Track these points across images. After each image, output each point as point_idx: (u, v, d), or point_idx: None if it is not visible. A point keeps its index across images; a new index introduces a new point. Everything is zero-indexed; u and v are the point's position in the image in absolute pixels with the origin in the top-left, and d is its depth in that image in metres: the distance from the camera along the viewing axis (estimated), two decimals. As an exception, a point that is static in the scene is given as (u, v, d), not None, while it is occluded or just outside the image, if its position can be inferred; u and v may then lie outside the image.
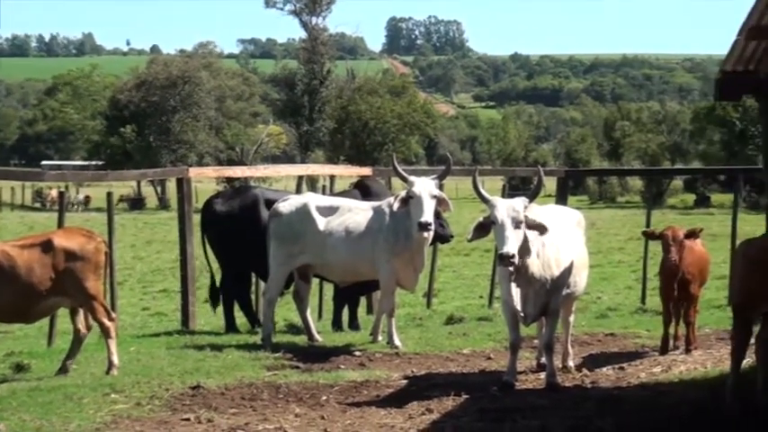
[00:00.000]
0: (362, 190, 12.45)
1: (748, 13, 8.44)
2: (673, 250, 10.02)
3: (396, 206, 10.40)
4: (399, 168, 10.85)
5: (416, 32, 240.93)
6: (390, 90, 68.64)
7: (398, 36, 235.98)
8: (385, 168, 29.70)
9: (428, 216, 10.38)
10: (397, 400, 8.62)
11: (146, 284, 20.08)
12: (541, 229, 8.64)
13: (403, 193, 10.48)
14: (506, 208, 8.54)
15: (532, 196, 8.90)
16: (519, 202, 8.69)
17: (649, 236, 10.71)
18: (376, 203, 11.18)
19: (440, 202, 10.50)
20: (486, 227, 8.69)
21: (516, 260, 8.47)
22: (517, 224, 8.51)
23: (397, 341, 10.97)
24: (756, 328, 8.27)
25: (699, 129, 57.78)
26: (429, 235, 10.51)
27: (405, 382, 9.37)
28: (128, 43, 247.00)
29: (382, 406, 8.43)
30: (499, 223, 8.50)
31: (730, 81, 9.42)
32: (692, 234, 10.19)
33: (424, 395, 8.72)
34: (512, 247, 8.41)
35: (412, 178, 10.47)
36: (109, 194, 12.33)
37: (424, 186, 10.50)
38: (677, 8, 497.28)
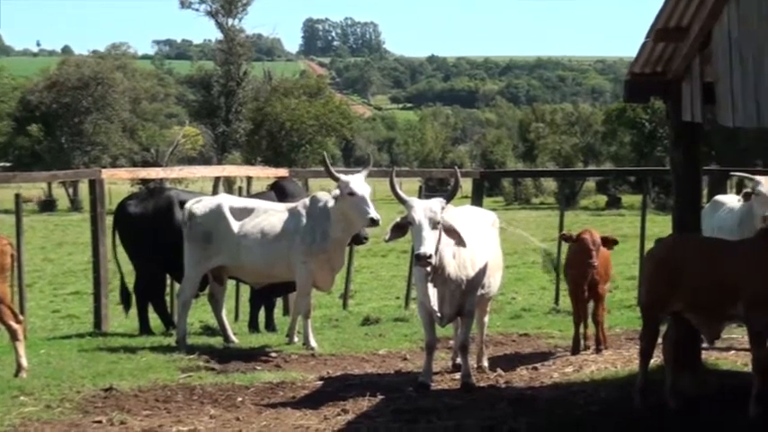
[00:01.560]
0: (278, 191, 12.42)
1: (656, 15, 8.60)
2: (594, 254, 10.18)
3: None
4: (331, 169, 10.85)
5: (333, 34, 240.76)
6: (307, 91, 68.50)
7: (315, 37, 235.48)
8: (302, 170, 29.70)
9: (375, 212, 10.46)
10: (312, 401, 8.64)
11: (57, 286, 19.74)
12: (457, 238, 8.70)
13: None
14: (423, 209, 8.60)
15: (449, 197, 8.97)
16: (436, 202, 8.74)
17: (567, 239, 10.83)
18: (292, 205, 11.18)
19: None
20: (403, 227, 8.74)
21: (434, 260, 8.52)
22: (434, 225, 8.57)
23: (312, 342, 10.97)
24: (664, 328, 8.46)
25: (610, 130, 58.64)
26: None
27: (320, 383, 9.39)
28: (38, 44, 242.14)
29: (298, 407, 8.44)
30: (416, 224, 8.54)
31: (639, 83, 9.56)
32: (609, 242, 10.35)
33: (340, 396, 8.74)
34: (429, 247, 8.46)
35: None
36: (17, 196, 12.20)
37: (363, 184, 10.59)
38: (589, 10, 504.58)
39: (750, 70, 7.67)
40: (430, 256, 8.44)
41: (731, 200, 11.87)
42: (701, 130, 9.60)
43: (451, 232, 8.71)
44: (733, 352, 10.20)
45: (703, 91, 8.79)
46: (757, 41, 7.46)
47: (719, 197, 12.27)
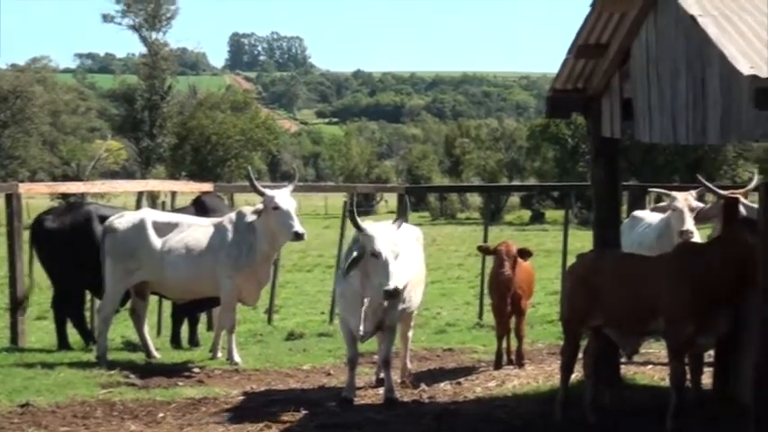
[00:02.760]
0: (200, 206, 12.34)
1: (577, 32, 8.72)
2: (506, 265, 10.23)
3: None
4: (256, 183, 10.82)
5: (259, 48, 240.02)
6: (233, 106, 68.19)
7: (241, 52, 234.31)
8: (227, 184, 29.50)
9: (300, 227, 10.45)
10: (235, 416, 8.59)
11: (-28, 302, 19.31)
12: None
13: (258, 206, 10.48)
14: (386, 241, 8.56)
15: (400, 224, 8.98)
16: (392, 232, 8.76)
17: (485, 251, 10.94)
18: (217, 219, 11.13)
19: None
20: (361, 258, 8.65)
21: (402, 294, 8.67)
22: (396, 256, 8.59)
23: (236, 357, 10.91)
24: (584, 343, 8.55)
25: (534, 146, 59.26)
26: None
27: (244, 398, 9.34)
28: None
29: (220, 423, 8.40)
30: (383, 259, 8.48)
31: (561, 99, 9.68)
32: (524, 253, 10.42)
33: (263, 411, 8.71)
34: (397, 281, 8.47)
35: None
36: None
37: (288, 198, 10.59)
38: (514, 27, 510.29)
39: (666, 87, 7.81)
40: (399, 290, 8.48)
41: (650, 215, 12.06)
42: (620, 146, 9.76)
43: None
44: (651, 366, 10.33)
45: (622, 107, 8.93)
46: (674, 58, 7.59)
47: (638, 212, 12.45)
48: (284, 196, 10.64)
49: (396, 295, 8.49)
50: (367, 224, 8.85)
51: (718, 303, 7.55)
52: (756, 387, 6.84)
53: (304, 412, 8.64)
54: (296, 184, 11.14)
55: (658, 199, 17.47)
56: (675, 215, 10.91)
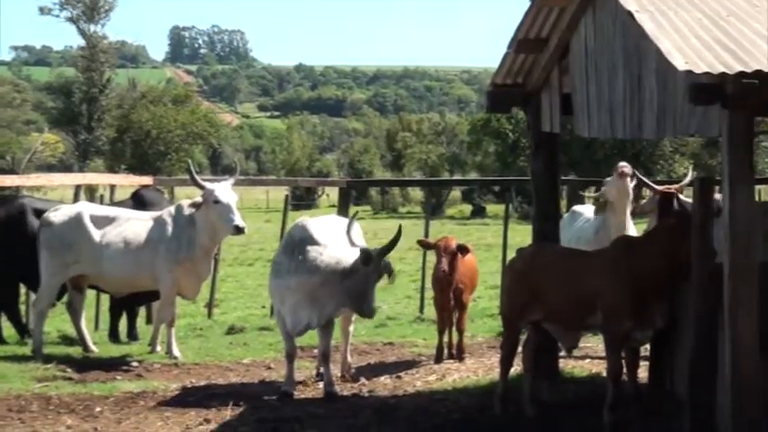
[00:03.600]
0: (139, 200, 12.24)
1: (517, 26, 8.76)
2: (444, 261, 10.26)
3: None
4: (196, 177, 10.76)
5: (200, 41, 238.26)
6: (173, 99, 67.61)
7: (182, 45, 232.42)
8: (167, 178, 29.27)
9: (241, 220, 10.64)
10: (174, 410, 8.55)
11: None
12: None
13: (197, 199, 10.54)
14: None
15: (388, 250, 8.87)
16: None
17: (425, 246, 10.97)
18: (156, 213, 11.07)
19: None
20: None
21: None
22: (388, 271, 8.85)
23: (176, 351, 10.86)
24: (524, 337, 8.61)
25: (476, 140, 59.42)
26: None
27: (183, 392, 9.30)
28: None
29: (159, 417, 8.36)
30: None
31: (501, 93, 9.72)
32: (463, 249, 10.46)
33: (203, 405, 8.68)
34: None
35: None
36: None
37: (229, 191, 10.73)
38: (456, 21, 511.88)
39: (605, 82, 7.88)
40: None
41: (588, 210, 12.15)
42: (560, 141, 9.82)
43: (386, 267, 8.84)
44: (589, 360, 10.43)
45: (562, 102, 8.99)
46: (612, 53, 7.66)
47: (578, 207, 12.53)
48: (225, 190, 10.62)
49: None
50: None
51: (654, 298, 7.64)
52: (691, 381, 6.93)
53: (244, 406, 8.61)
54: (237, 177, 11.12)
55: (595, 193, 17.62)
56: (612, 208, 11.00)
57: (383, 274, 8.78)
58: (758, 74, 5.59)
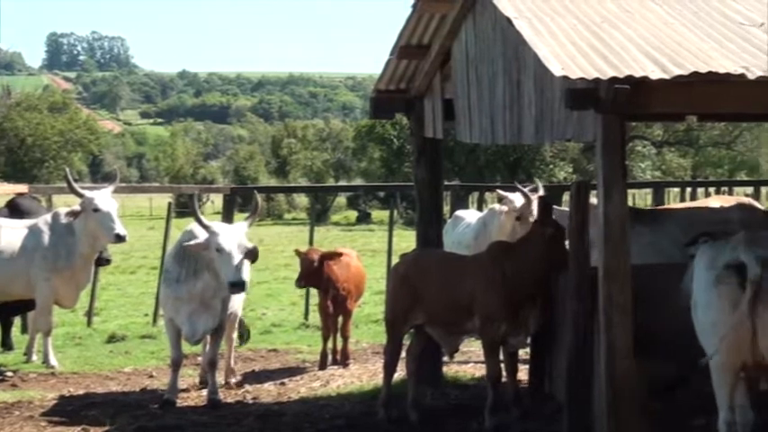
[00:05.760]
0: (14, 208, 11.93)
1: (400, 32, 8.82)
2: (301, 276, 10.38)
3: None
4: (74, 184, 10.55)
5: (79, 48, 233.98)
6: (51, 106, 66.18)
7: (60, 52, 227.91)
8: (44, 186, 28.59)
9: (122, 228, 10.22)
10: (51, 420, 8.42)
11: None
12: (252, 256, 8.68)
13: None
14: (233, 236, 8.51)
15: (251, 221, 8.91)
16: (241, 228, 8.71)
17: (299, 255, 10.92)
18: (31, 221, 10.83)
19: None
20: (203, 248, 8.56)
21: (247, 287, 8.58)
22: (243, 251, 8.53)
23: (53, 361, 10.68)
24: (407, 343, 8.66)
25: (360, 146, 59.56)
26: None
27: (60, 401, 9.15)
28: None
29: (35, 426, 8.24)
30: (227, 252, 8.42)
31: (384, 99, 9.78)
32: (329, 256, 10.48)
33: (81, 415, 8.55)
34: (245, 274, 8.49)
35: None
36: None
37: (109, 199, 10.33)
38: (340, 28, 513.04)
39: (485, 87, 7.97)
40: (246, 283, 8.49)
41: (470, 215, 12.29)
42: (443, 147, 9.90)
43: (248, 252, 8.67)
44: (471, 365, 10.53)
45: (444, 107, 9.07)
46: (492, 59, 7.75)
47: (460, 212, 12.67)
48: (104, 197, 10.45)
49: (243, 289, 8.52)
50: (215, 222, 8.86)
51: (528, 303, 7.76)
52: (569, 383, 7.04)
53: (124, 415, 8.49)
54: (117, 184, 10.96)
55: (480, 199, 17.87)
56: (490, 214, 11.17)
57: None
58: (630, 79, 5.72)
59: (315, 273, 10.37)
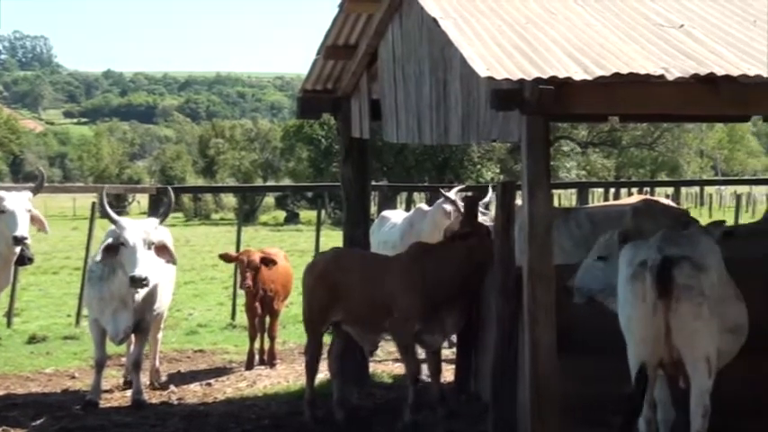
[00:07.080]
0: None
1: (326, 32, 8.81)
2: (248, 276, 10.22)
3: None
4: None
5: (0, 47, 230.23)
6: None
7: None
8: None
9: (23, 230, 9.92)
10: (-32, 424, 8.21)
11: None
12: (168, 256, 8.61)
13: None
14: (137, 230, 8.41)
15: (163, 217, 8.80)
16: (150, 223, 8.61)
17: (226, 259, 10.80)
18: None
19: (33, 220, 9.55)
20: (115, 248, 8.45)
21: (150, 283, 8.37)
22: (149, 245, 8.40)
23: (-29, 364, 10.44)
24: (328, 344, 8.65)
25: (289, 146, 59.35)
26: (18, 250, 9.51)
27: (-22, 404, 8.93)
28: None
29: (-48, 431, 8.00)
30: (130, 245, 8.34)
31: (311, 99, 9.77)
32: (267, 261, 10.40)
33: (2, 416, 8.43)
34: (144, 269, 8.30)
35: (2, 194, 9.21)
36: None
37: (17, 200, 10.03)
38: (268, 27, 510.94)
39: (412, 87, 8.00)
40: (146, 278, 8.30)
41: (396, 215, 12.33)
42: (371, 147, 9.92)
43: (163, 251, 8.59)
44: (398, 364, 10.56)
45: (371, 107, 9.08)
46: (419, 60, 7.78)
47: (386, 212, 12.71)
48: (14, 198, 10.13)
49: (142, 284, 8.31)
50: (124, 218, 8.77)
51: (446, 304, 7.81)
52: (494, 383, 7.09)
53: (45, 416, 8.38)
54: (39, 185, 10.70)
55: (408, 199, 17.91)
56: (417, 213, 11.20)
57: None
58: (554, 80, 5.77)
59: (258, 274, 10.27)
